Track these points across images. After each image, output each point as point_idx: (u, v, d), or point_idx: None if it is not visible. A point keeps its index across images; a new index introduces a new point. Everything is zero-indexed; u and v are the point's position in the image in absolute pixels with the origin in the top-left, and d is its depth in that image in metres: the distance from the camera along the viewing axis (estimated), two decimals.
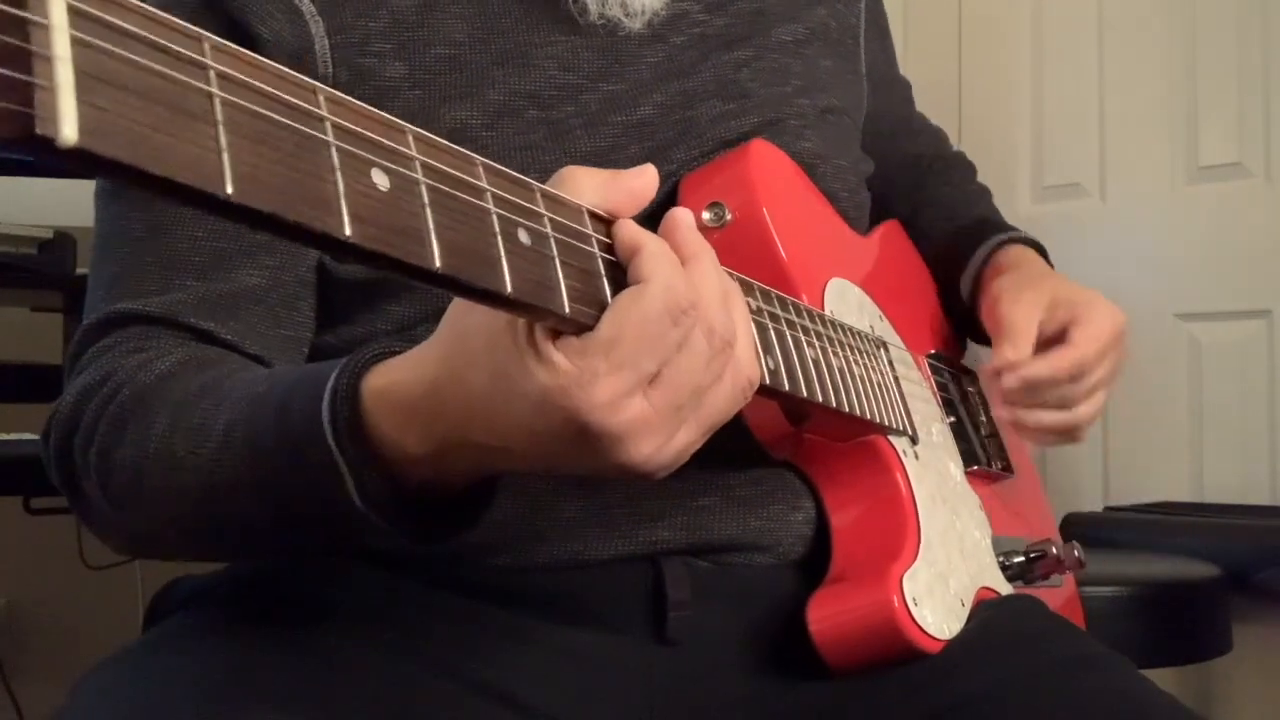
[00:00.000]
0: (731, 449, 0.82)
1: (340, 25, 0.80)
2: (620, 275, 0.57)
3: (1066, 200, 2.49)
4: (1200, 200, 2.35)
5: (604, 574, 0.79)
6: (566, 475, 0.69)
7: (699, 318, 0.57)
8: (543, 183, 0.56)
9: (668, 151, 0.85)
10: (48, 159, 0.36)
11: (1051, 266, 1.08)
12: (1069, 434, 0.97)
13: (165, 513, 0.71)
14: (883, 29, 1.10)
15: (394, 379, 0.61)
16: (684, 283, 0.57)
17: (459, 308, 0.59)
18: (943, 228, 1.12)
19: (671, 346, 0.56)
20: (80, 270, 1.71)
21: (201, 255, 0.77)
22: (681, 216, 0.61)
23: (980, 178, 1.26)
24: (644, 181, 0.60)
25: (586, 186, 0.58)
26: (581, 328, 0.54)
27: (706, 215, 0.82)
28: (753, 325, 0.65)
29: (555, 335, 0.55)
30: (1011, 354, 0.93)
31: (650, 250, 0.57)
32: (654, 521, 0.80)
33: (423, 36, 0.81)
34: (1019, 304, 0.96)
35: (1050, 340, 0.95)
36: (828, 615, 0.79)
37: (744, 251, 0.81)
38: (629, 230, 0.58)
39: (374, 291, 0.81)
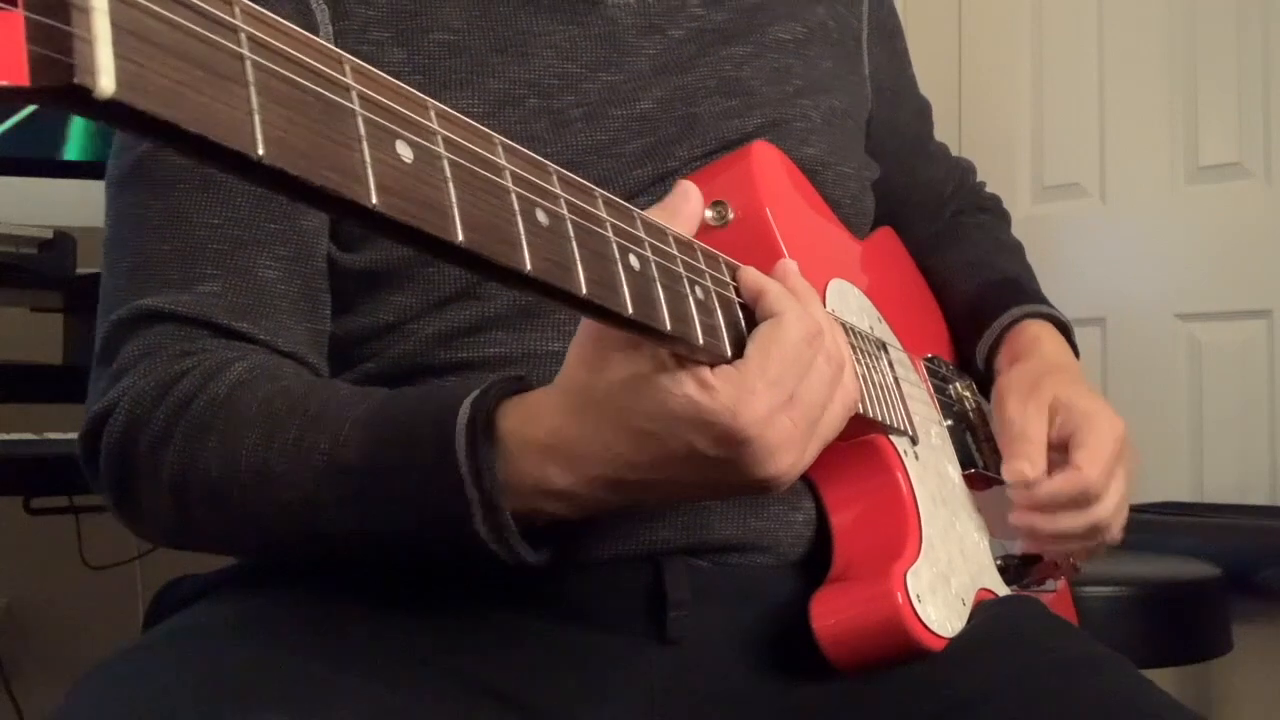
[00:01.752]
0: None
1: (343, 12, 0.81)
2: (646, 277, 0.58)
3: (1066, 200, 2.49)
4: (1200, 200, 2.35)
5: (605, 574, 0.79)
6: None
7: (821, 345, 0.65)
8: None
9: (669, 147, 0.86)
10: (82, 112, 0.35)
11: (1074, 344, 1.05)
12: (1092, 536, 0.93)
13: (250, 522, 0.74)
14: (890, 34, 1.09)
15: (531, 418, 0.66)
16: (809, 315, 0.65)
17: (583, 362, 0.64)
18: (969, 275, 1.10)
19: (806, 369, 0.64)
20: (80, 270, 1.71)
21: (219, 243, 0.78)
22: (791, 265, 0.69)
23: (980, 177, 1.25)
24: (691, 205, 0.67)
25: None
26: (603, 312, 0.55)
27: (709, 214, 0.82)
28: (854, 357, 0.73)
29: (682, 363, 0.61)
30: (1029, 471, 0.90)
31: (779, 289, 0.66)
32: (654, 521, 0.80)
33: (421, 23, 0.82)
34: (1027, 415, 0.93)
35: (1052, 449, 0.92)
36: (832, 613, 0.79)
37: (746, 250, 0.81)
38: (753, 275, 0.66)
39: (376, 281, 0.81)
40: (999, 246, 1.15)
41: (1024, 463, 0.90)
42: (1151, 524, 2.05)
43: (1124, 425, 0.93)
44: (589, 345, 0.63)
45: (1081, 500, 0.90)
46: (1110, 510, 0.91)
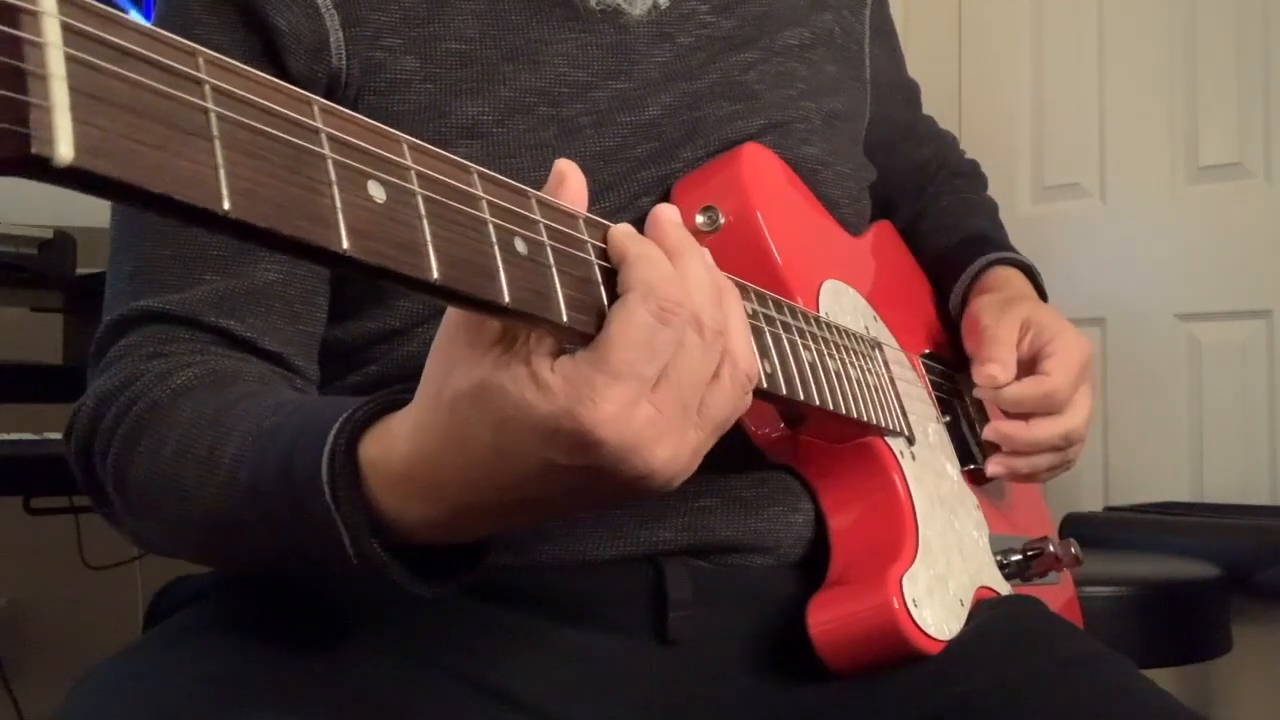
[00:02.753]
0: (732, 451, 0.82)
1: (354, 18, 0.80)
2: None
3: (1066, 200, 2.49)
4: (1200, 200, 2.35)
5: (605, 574, 0.79)
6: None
7: (688, 315, 0.56)
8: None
9: (674, 151, 0.86)
10: (43, 179, 0.35)
11: (1041, 288, 1.08)
12: (1064, 446, 0.95)
13: (178, 534, 0.72)
14: (887, 33, 1.10)
15: (389, 447, 0.59)
16: (669, 282, 0.55)
17: (435, 370, 0.57)
18: (939, 239, 1.12)
19: (667, 347, 0.55)
20: (80, 270, 1.71)
21: (220, 249, 0.78)
22: (664, 214, 0.60)
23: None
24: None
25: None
26: (585, 337, 0.54)
27: (700, 219, 0.82)
28: (748, 324, 0.64)
29: (555, 359, 0.54)
30: (1000, 374, 0.93)
31: (633, 255, 0.56)
32: (655, 522, 0.80)
33: (433, 31, 0.81)
34: (1000, 324, 0.96)
35: (1022, 364, 0.95)
36: (828, 619, 0.79)
37: (738, 255, 0.81)
38: (617, 237, 0.57)
39: (385, 287, 0.81)
40: (967, 206, 1.17)
41: (994, 365, 0.93)
42: (1151, 524, 2.05)
43: (1090, 346, 0.97)
44: (443, 349, 0.57)
45: (1050, 405, 0.92)
46: (1082, 420, 0.94)
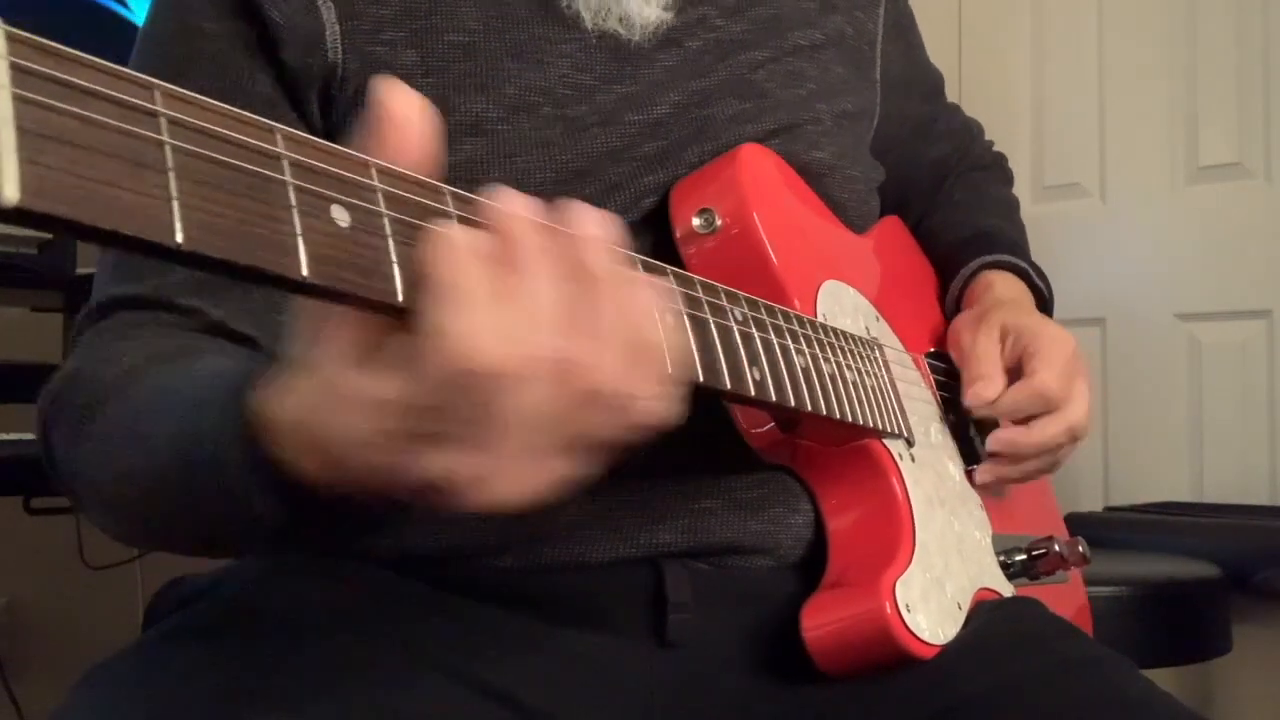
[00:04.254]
0: (731, 452, 0.82)
1: (351, 12, 0.80)
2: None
3: (1066, 200, 2.49)
4: (1200, 200, 2.35)
5: (605, 576, 0.79)
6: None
7: (514, 370, 0.46)
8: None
9: (681, 150, 0.85)
10: None
11: (1039, 289, 1.06)
12: (1072, 441, 0.95)
13: (125, 515, 0.71)
14: (905, 28, 1.09)
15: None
16: (483, 335, 0.45)
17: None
18: (946, 235, 1.11)
19: (467, 409, 0.46)
20: (80, 270, 1.71)
21: None
22: (506, 200, 0.50)
23: None
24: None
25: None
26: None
27: (696, 221, 0.82)
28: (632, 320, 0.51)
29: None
30: (987, 390, 0.92)
31: (441, 284, 0.46)
32: (655, 524, 0.80)
33: (435, 23, 0.81)
34: (978, 340, 0.95)
35: (1009, 371, 0.94)
36: (821, 623, 0.79)
37: (735, 257, 0.81)
38: (431, 251, 0.46)
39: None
40: (980, 201, 1.15)
41: (981, 383, 0.92)
42: (1151, 524, 2.05)
43: (1074, 340, 0.96)
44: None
45: (1046, 402, 0.91)
46: (1082, 413, 0.93)
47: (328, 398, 0.49)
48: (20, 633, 2.15)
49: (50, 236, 1.68)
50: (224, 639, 0.72)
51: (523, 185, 0.53)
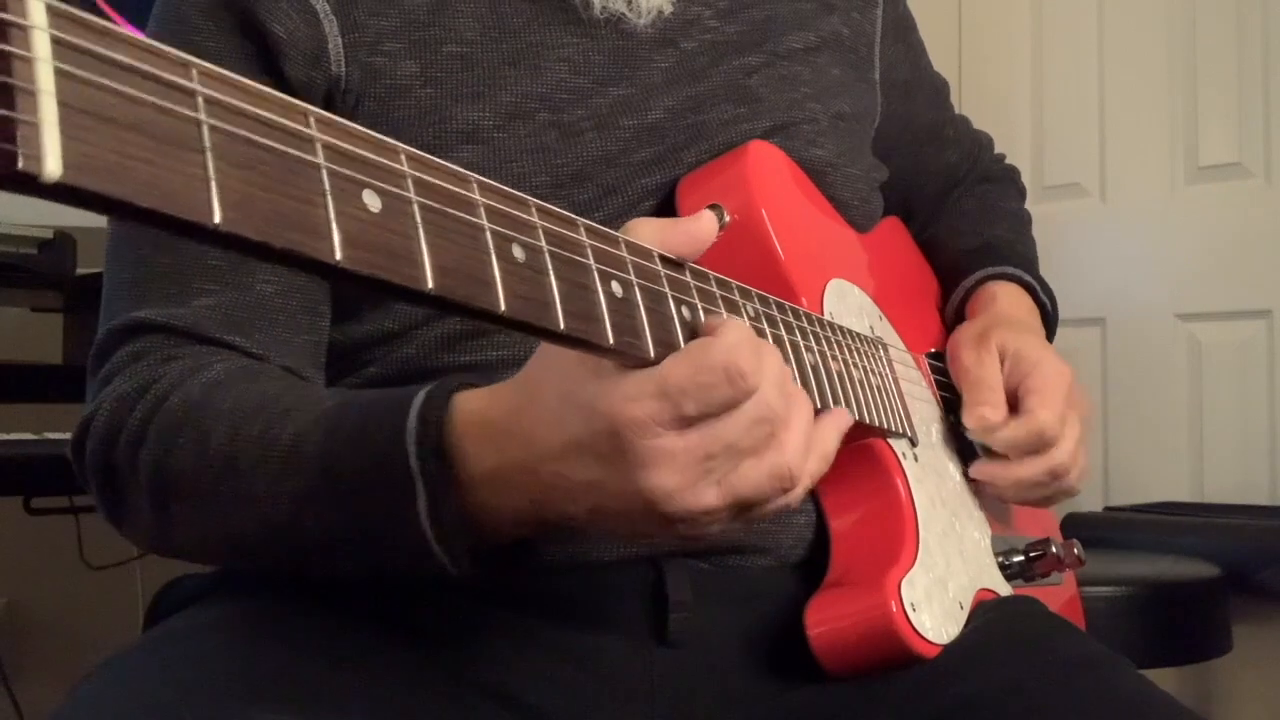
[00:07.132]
0: None
1: (352, 24, 0.80)
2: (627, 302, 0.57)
3: (1066, 200, 2.49)
4: (1200, 200, 2.35)
5: (606, 575, 0.79)
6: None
7: (758, 396, 0.59)
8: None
9: (678, 155, 0.86)
10: (31, 194, 0.35)
11: (1044, 303, 1.06)
12: (1052, 482, 0.92)
13: (219, 518, 0.72)
14: (905, 30, 1.08)
15: (483, 403, 0.64)
16: (750, 353, 0.59)
17: (545, 349, 0.61)
18: (951, 243, 1.10)
19: (718, 402, 0.58)
20: (80, 270, 1.71)
21: (217, 259, 0.78)
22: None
23: None
24: (701, 225, 0.64)
25: (644, 233, 0.61)
26: (584, 344, 0.55)
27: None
28: (809, 437, 0.64)
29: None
30: (992, 415, 0.91)
31: (734, 320, 0.62)
32: None
33: (434, 35, 0.81)
34: (980, 362, 0.94)
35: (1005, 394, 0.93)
36: (826, 621, 0.79)
37: (742, 253, 0.81)
38: (722, 323, 0.62)
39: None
40: (987, 213, 1.14)
41: (985, 408, 0.91)
42: (1151, 524, 2.05)
43: (1071, 371, 0.94)
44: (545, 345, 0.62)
45: (1039, 444, 0.90)
46: (1068, 454, 0.91)
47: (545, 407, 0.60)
48: (20, 633, 2.15)
49: (50, 236, 1.68)
50: (224, 639, 0.72)
51: (519, 190, 0.53)
